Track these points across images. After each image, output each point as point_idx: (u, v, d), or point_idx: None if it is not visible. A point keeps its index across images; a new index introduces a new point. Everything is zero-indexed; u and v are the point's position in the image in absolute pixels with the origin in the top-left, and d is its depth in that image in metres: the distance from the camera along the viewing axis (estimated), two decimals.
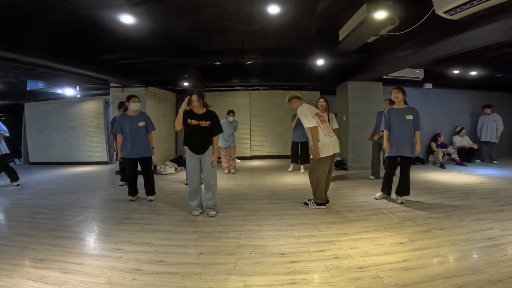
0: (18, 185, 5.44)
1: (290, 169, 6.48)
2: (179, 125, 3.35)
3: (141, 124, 4.03)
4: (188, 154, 3.43)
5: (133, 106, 4.03)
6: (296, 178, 5.73)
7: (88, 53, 4.58)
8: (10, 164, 5.87)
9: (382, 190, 4.02)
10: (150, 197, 4.19)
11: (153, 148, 4.21)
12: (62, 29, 3.96)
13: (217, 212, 3.51)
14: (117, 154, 4.23)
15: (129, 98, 4.05)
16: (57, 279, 2.04)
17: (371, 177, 5.48)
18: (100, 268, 2.21)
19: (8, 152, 5.54)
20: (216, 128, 3.45)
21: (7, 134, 5.53)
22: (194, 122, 3.34)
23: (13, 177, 5.48)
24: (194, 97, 3.28)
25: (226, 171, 6.38)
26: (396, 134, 3.75)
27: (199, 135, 3.36)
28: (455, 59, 5.18)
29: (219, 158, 5.34)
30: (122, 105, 4.96)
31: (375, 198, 4.03)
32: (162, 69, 5.69)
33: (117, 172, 6.13)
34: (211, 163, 3.42)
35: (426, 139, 7.16)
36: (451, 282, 1.92)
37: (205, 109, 3.43)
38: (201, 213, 3.52)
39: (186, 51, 5.29)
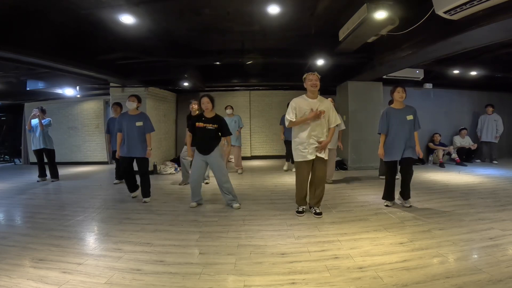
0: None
1: (285, 168, 6.55)
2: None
3: (138, 124, 4.02)
4: (195, 154, 3.72)
5: (128, 105, 4.07)
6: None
7: (88, 53, 4.58)
8: (12, 164, 5.93)
9: (386, 198, 3.71)
10: (144, 199, 4.16)
11: (150, 149, 4.09)
12: (62, 29, 3.96)
13: (239, 204, 3.74)
14: (113, 153, 4.27)
15: (128, 98, 4.14)
16: (57, 279, 2.04)
17: (382, 177, 5.28)
18: (100, 268, 2.20)
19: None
20: (224, 130, 3.72)
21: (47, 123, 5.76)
22: (201, 124, 3.61)
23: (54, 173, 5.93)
24: (205, 99, 3.60)
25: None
26: (396, 137, 3.52)
27: (206, 136, 3.62)
28: (455, 59, 5.18)
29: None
30: (114, 105, 5.24)
31: (387, 206, 3.69)
32: (162, 69, 5.69)
33: None
34: (217, 161, 3.64)
35: (425, 139, 7.16)
36: (451, 282, 1.92)
37: (214, 114, 3.72)
38: (199, 205, 3.87)
39: (186, 51, 5.29)
